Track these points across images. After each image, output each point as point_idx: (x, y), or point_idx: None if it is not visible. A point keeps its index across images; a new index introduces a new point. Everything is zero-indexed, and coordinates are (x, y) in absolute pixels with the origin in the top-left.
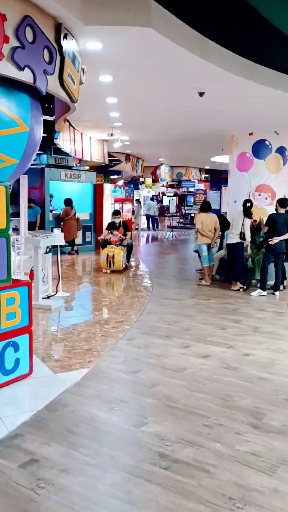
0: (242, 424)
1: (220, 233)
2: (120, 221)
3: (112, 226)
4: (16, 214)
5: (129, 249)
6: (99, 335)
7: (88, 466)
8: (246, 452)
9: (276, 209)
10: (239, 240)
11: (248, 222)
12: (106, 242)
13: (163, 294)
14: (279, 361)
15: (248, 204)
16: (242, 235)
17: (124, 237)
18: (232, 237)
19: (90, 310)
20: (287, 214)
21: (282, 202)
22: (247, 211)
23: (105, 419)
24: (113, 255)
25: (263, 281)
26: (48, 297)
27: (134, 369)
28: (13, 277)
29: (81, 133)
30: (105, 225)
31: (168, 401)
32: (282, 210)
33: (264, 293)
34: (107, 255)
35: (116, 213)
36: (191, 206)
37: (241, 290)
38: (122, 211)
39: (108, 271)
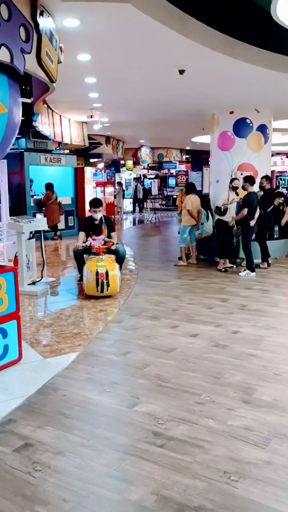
0: (233, 400)
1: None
2: (102, 217)
3: (91, 226)
4: None
5: (121, 258)
6: (87, 318)
7: (83, 448)
8: (238, 427)
9: (246, 188)
10: (217, 217)
11: (223, 196)
12: (85, 251)
13: (149, 276)
14: (266, 337)
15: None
16: (225, 212)
17: (110, 241)
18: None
19: (77, 294)
20: (256, 193)
21: (252, 180)
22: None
23: (97, 401)
24: (106, 272)
25: (249, 262)
26: (34, 283)
27: (124, 351)
28: None
29: (60, 116)
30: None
31: (160, 380)
32: (252, 189)
33: (253, 274)
34: (97, 273)
35: (96, 204)
36: (173, 188)
37: (223, 270)
38: (104, 195)
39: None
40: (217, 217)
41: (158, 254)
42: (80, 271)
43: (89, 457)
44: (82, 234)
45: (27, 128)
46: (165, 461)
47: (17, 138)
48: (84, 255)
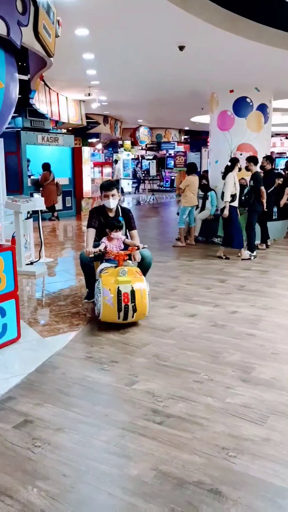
0: (232, 378)
1: (203, 193)
2: (118, 207)
3: (105, 220)
4: None
5: (147, 268)
6: (85, 297)
7: (82, 424)
8: (237, 405)
9: (250, 168)
10: (234, 204)
11: (229, 180)
12: (96, 258)
13: None
14: (265, 317)
15: (228, 163)
16: (234, 198)
17: (134, 243)
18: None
19: (75, 275)
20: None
21: (255, 160)
22: (226, 171)
23: (96, 379)
24: (132, 291)
25: (251, 242)
26: (32, 263)
27: (123, 330)
28: None
29: (57, 94)
30: (87, 190)
31: (158, 359)
32: (256, 169)
33: (253, 254)
34: (118, 293)
35: (108, 186)
36: (171, 169)
37: (253, 258)
38: (102, 175)
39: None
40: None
41: (156, 235)
42: (89, 286)
43: (88, 434)
44: (91, 233)
45: (24, 107)
46: (164, 437)
47: (13, 117)
48: (95, 263)
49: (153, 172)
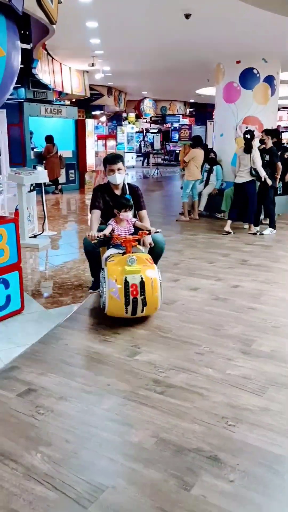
0: (232, 350)
1: (208, 167)
2: (125, 184)
3: (111, 199)
4: None
5: (159, 253)
6: (89, 271)
7: (85, 393)
8: (237, 376)
9: (267, 142)
10: (251, 178)
11: (257, 155)
12: (102, 243)
13: None
14: (266, 291)
15: (248, 136)
16: (253, 172)
17: (144, 227)
18: (242, 175)
19: (78, 248)
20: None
21: (274, 133)
22: (247, 144)
23: (99, 350)
24: (141, 282)
25: (273, 219)
26: (35, 236)
27: None
28: None
29: (60, 64)
30: (91, 163)
31: (160, 331)
32: (271, 143)
33: (275, 231)
34: (126, 284)
35: (113, 159)
36: (176, 142)
37: (258, 234)
38: (106, 148)
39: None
40: (245, 179)
41: (160, 209)
42: (95, 274)
43: (90, 402)
44: (95, 214)
45: (27, 77)
46: (164, 406)
47: (16, 88)
48: (101, 248)
49: (157, 145)
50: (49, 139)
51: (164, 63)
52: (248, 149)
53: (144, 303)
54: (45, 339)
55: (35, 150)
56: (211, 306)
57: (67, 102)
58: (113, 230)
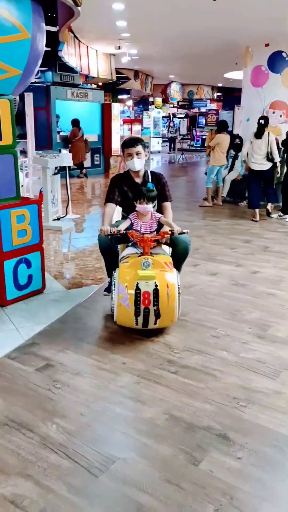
0: (248, 335)
1: (234, 153)
2: (146, 171)
3: (131, 188)
4: (22, 136)
5: (183, 255)
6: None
7: (100, 371)
8: (251, 359)
9: None
10: (271, 164)
11: (273, 138)
12: (120, 240)
13: (173, 216)
14: (287, 278)
15: (262, 121)
16: (269, 156)
17: (168, 223)
18: (263, 162)
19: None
20: None
21: None
22: (259, 129)
23: (116, 330)
24: (155, 290)
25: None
26: (58, 219)
27: None
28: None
29: (87, 47)
30: (116, 148)
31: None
32: None
33: (286, 216)
34: (137, 291)
35: (131, 142)
36: (203, 127)
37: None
38: (131, 133)
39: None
40: (266, 166)
41: (184, 194)
42: (111, 275)
43: (106, 379)
44: (109, 208)
45: (54, 61)
46: (178, 386)
47: (43, 71)
48: (121, 246)
49: (183, 130)
50: (75, 122)
51: (192, 47)
52: (259, 134)
53: (157, 315)
54: (64, 318)
55: (61, 133)
56: (230, 291)
57: (94, 86)
58: (131, 226)
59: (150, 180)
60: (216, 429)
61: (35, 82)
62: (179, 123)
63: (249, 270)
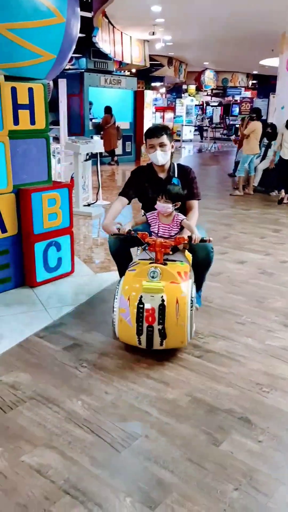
0: (274, 323)
1: (267, 142)
2: (172, 164)
3: (153, 184)
4: (55, 123)
5: (205, 265)
6: None
7: (125, 352)
8: (276, 347)
9: None
10: None
11: None
12: (132, 242)
13: (203, 204)
14: None
15: None
16: None
17: (189, 226)
18: None
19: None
20: None
21: None
22: None
23: None
24: (161, 305)
25: None
26: (89, 205)
27: None
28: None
29: (121, 33)
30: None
31: (203, 300)
32: None
33: None
34: (140, 306)
35: (154, 131)
36: (236, 116)
37: None
38: (164, 121)
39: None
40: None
41: (215, 183)
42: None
43: (130, 360)
44: (118, 203)
45: (88, 47)
46: (201, 369)
47: (77, 58)
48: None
49: (216, 119)
50: (108, 110)
51: (228, 33)
52: None
53: (163, 335)
54: (92, 300)
55: (93, 120)
56: (257, 279)
57: (127, 73)
58: (148, 226)
59: (176, 175)
60: (238, 413)
61: (69, 69)
62: (212, 112)
63: (278, 259)
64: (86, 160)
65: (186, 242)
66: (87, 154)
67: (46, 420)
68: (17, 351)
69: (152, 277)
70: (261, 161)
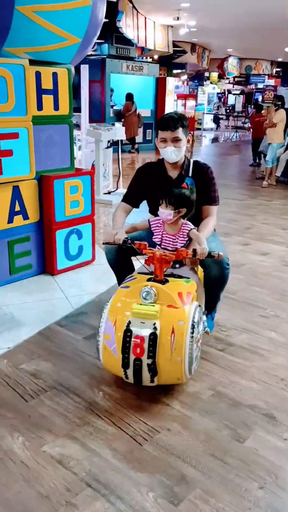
0: None
1: None
2: (187, 160)
3: (162, 184)
4: (76, 110)
5: (218, 284)
6: None
7: None
8: None
9: None
10: None
11: None
12: (129, 252)
13: (224, 194)
14: None
15: None
16: None
17: (198, 238)
18: None
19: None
20: None
21: None
22: None
23: None
24: (153, 335)
25: None
26: (109, 193)
27: None
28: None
29: (145, 18)
30: None
31: (226, 292)
32: None
33: None
34: (126, 332)
35: (167, 123)
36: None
37: None
38: (185, 109)
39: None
40: None
41: (236, 173)
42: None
43: None
44: (120, 212)
45: (110, 33)
46: (224, 363)
47: (99, 44)
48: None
49: (238, 107)
50: (129, 97)
51: (253, 19)
52: None
53: (153, 371)
54: (112, 289)
55: (114, 108)
56: (280, 271)
57: (149, 59)
58: (151, 233)
59: (190, 174)
60: (262, 408)
61: (91, 55)
62: (234, 100)
63: None
64: (107, 147)
65: (188, 257)
66: (109, 141)
67: (68, 410)
68: (38, 339)
69: (145, 298)
70: (285, 151)
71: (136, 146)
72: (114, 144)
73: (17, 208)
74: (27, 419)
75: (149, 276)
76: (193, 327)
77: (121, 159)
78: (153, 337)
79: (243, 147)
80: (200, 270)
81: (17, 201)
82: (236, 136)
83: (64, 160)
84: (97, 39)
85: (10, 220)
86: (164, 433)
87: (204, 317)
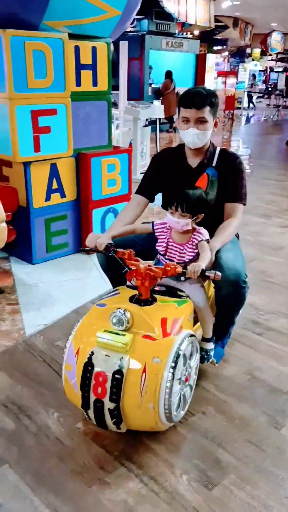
0: None
1: None
2: (212, 149)
3: (181, 174)
4: (114, 88)
5: (228, 301)
6: None
7: None
8: None
9: None
10: None
11: None
12: (116, 269)
13: (263, 175)
14: None
15: None
16: None
17: (204, 249)
18: None
19: None
20: None
21: None
22: None
23: None
24: (119, 373)
25: None
26: None
27: None
28: None
29: None
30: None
31: (264, 276)
32: None
33: None
34: (86, 365)
35: (190, 100)
36: None
37: None
38: (225, 87)
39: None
40: None
41: (276, 153)
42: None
43: None
44: (132, 205)
45: (150, 8)
46: (261, 348)
47: (139, 19)
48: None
49: (281, 85)
50: (168, 74)
51: None
52: None
53: (117, 417)
54: None
55: (152, 85)
56: None
57: (189, 35)
58: (142, 241)
59: (214, 164)
60: None
61: (130, 31)
62: (277, 77)
63: None
64: (145, 126)
65: (177, 275)
66: (147, 120)
67: None
68: (73, 317)
69: (115, 324)
70: None
71: (174, 125)
72: (152, 123)
73: (55, 186)
74: (62, 396)
75: (134, 292)
76: (175, 364)
77: (159, 138)
78: (119, 376)
79: (286, 125)
80: (210, 285)
81: (54, 179)
82: (277, 115)
83: (102, 138)
84: (137, 14)
85: (48, 198)
86: (199, 416)
87: (211, 345)
